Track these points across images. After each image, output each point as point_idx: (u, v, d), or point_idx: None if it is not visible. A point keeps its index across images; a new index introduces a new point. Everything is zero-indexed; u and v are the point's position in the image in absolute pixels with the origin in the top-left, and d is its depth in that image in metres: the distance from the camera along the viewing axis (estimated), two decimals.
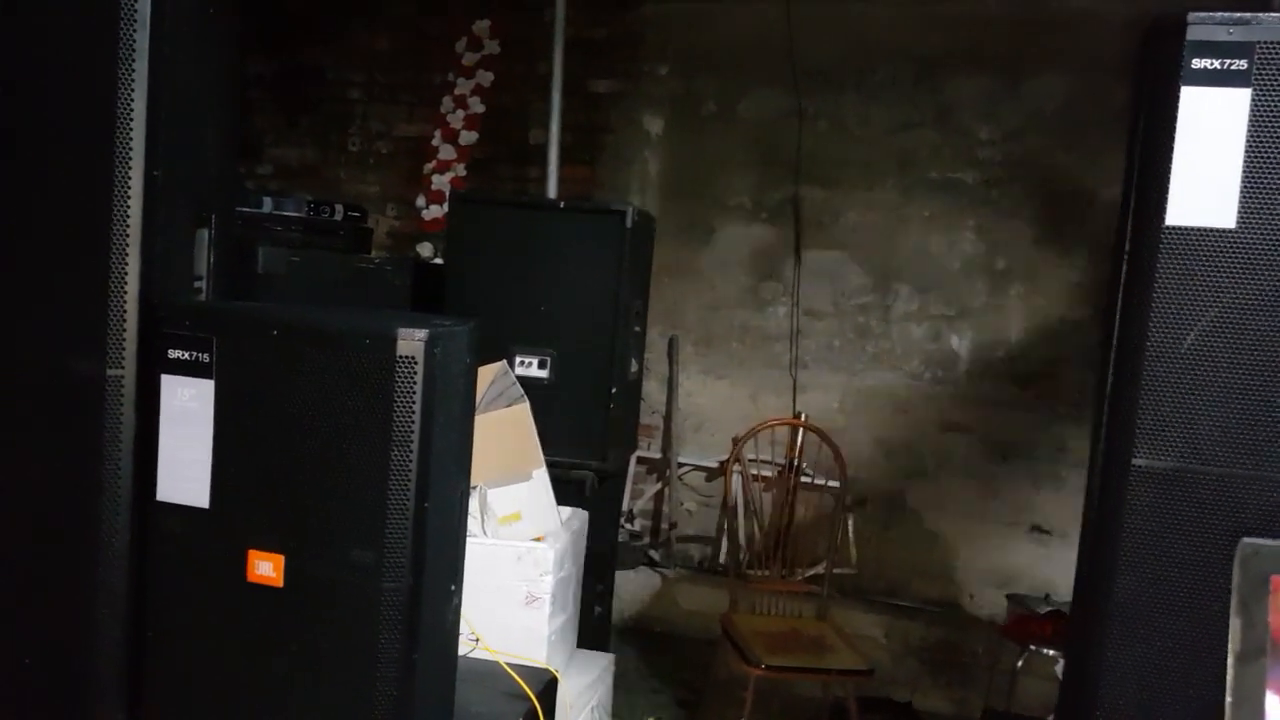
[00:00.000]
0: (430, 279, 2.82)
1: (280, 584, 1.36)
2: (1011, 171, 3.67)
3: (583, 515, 2.50)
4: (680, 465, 4.05)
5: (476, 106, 3.98)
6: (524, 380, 2.55)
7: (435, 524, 1.41)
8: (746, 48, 3.84)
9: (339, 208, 2.61)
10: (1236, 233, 1.30)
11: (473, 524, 2.18)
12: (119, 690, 1.45)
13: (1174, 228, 1.31)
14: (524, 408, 2.22)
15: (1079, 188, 3.59)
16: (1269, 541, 0.93)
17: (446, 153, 3.99)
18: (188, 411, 1.36)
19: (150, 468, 1.38)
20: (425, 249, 4.04)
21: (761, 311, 3.97)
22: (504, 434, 2.21)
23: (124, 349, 1.35)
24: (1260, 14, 1.28)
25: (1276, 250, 1.29)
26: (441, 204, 3.89)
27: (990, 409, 3.74)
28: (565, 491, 2.53)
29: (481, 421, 2.22)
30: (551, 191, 3.63)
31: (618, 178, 4.05)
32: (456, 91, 4.02)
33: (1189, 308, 1.31)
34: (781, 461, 3.88)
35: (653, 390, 4.08)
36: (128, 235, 1.34)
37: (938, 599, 3.82)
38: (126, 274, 1.35)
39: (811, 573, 3.69)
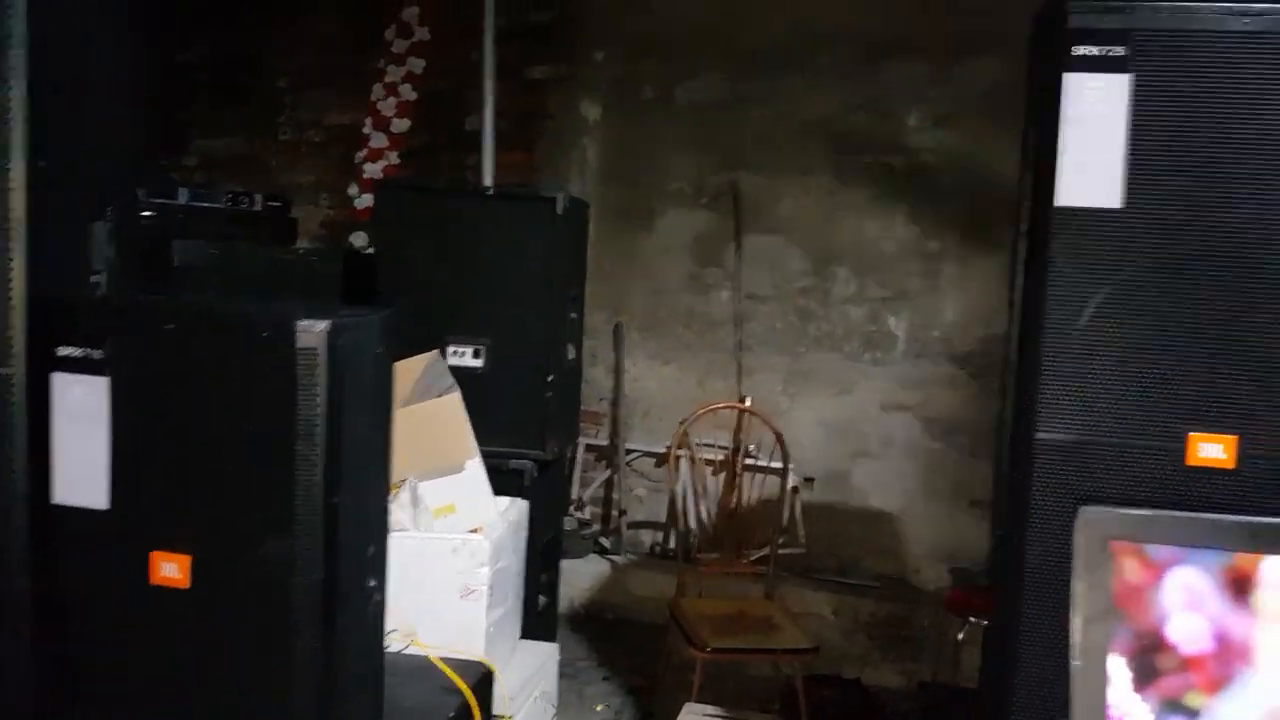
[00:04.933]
0: (362, 269, 2.76)
1: (186, 585, 1.32)
2: (941, 156, 3.70)
3: (522, 505, 2.47)
4: (629, 452, 4.04)
5: (409, 94, 3.91)
6: (458, 370, 2.51)
7: (348, 519, 1.38)
8: (684, 33, 3.82)
9: (258, 198, 2.55)
10: (1123, 212, 1.32)
11: (404, 517, 2.15)
12: (24, 700, 1.40)
13: (1064, 209, 1.33)
14: (455, 398, 2.19)
15: (1006, 171, 3.64)
16: (1105, 509, 0.95)
17: (378, 140, 3.92)
18: (82, 410, 1.31)
19: (45, 470, 1.33)
20: (359, 238, 3.95)
21: (705, 296, 3.97)
22: (435, 425, 2.18)
23: (11, 347, 1.30)
24: (1138, 2, 1.30)
25: (1161, 229, 1.32)
26: (375, 192, 3.82)
27: (929, 388, 3.78)
28: (504, 482, 2.50)
29: (411, 413, 2.19)
30: (487, 178, 3.59)
31: (557, 164, 4.02)
32: (387, 79, 3.95)
33: (1082, 286, 1.33)
34: (728, 445, 3.90)
35: (599, 376, 4.07)
36: (9, 229, 1.28)
37: (885, 575, 3.87)
38: (11, 269, 1.29)
39: (761, 554, 3.72)
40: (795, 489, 3.87)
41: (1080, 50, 1.33)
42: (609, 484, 4.08)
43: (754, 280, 3.91)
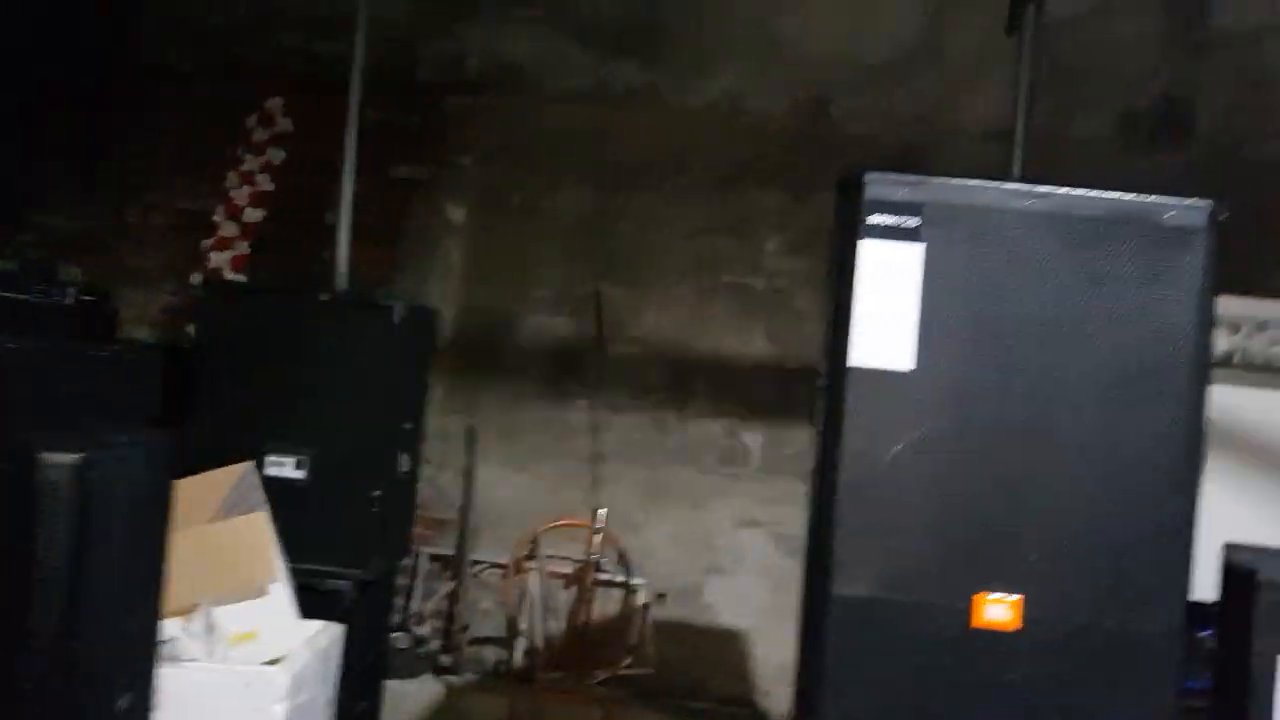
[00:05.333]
0: (187, 367, 2.59)
1: None
2: (796, 281, 3.85)
3: (336, 630, 2.30)
4: (476, 562, 3.88)
5: (266, 184, 3.80)
6: (278, 481, 2.36)
7: (91, 665, 1.23)
8: (554, 144, 3.88)
9: (71, 290, 2.37)
10: (914, 374, 1.37)
11: (196, 646, 1.95)
12: None
13: (859, 369, 1.37)
14: (259, 517, 2.04)
15: None
16: None
17: (229, 229, 3.78)
18: None
19: None
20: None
21: (563, 404, 3.93)
22: (235, 546, 2.01)
23: None
24: (930, 177, 1.39)
25: (950, 392, 1.37)
26: (200, 290, 3.65)
27: (782, 505, 3.82)
28: (320, 604, 2.33)
29: (208, 533, 2.03)
30: (341, 275, 3.49)
31: (419, 264, 3.95)
32: (244, 167, 3.83)
33: (876, 444, 1.36)
34: (580, 558, 3.80)
35: (449, 482, 3.93)
36: None
37: (735, 697, 3.79)
38: None
39: (607, 675, 3.59)
40: (646, 605, 3.79)
41: (877, 219, 1.39)
42: (453, 596, 3.89)
43: (613, 390, 3.90)
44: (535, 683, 3.13)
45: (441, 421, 3.94)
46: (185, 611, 1.97)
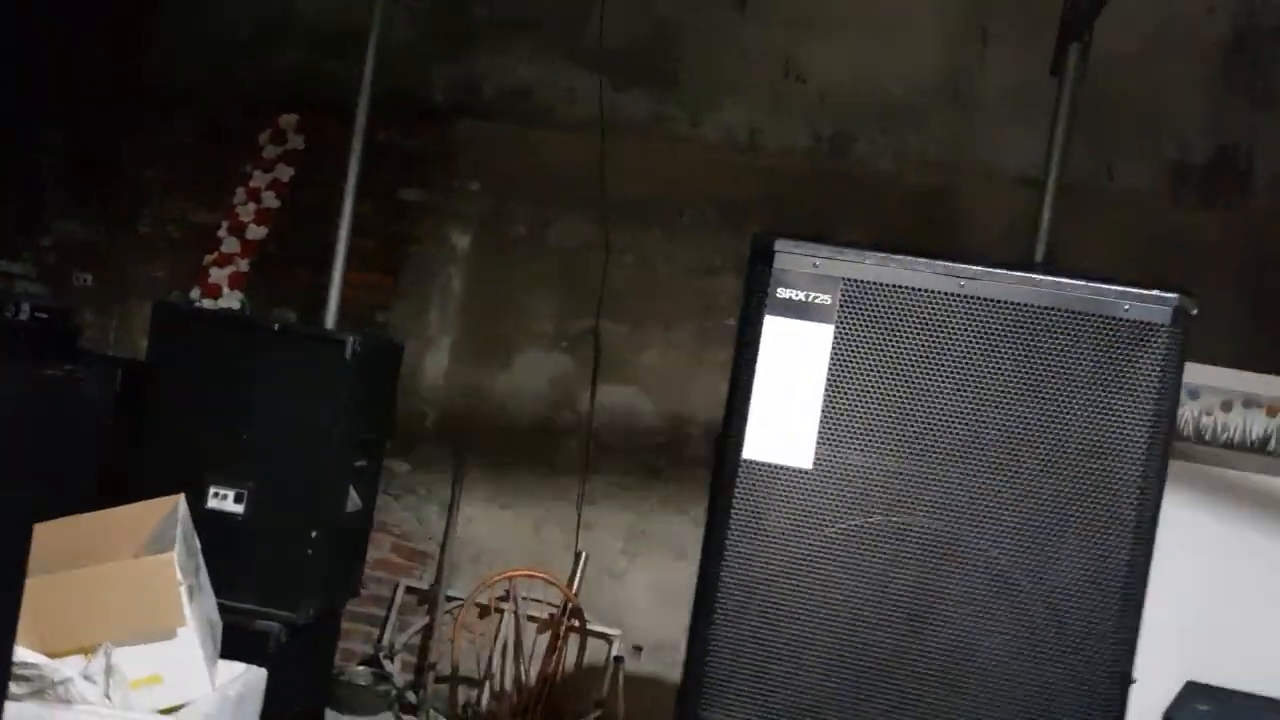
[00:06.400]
0: (143, 389, 2.56)
1: None
2: None
3: (257, 674, 2.21)
4: (452, 599, 3.78)
5: (271, 201, 3.79)
6: (217, 515, 2.31)
7: None
8: (558, 175, 3.80)
9: (25, 306, 2.34)
10: (812, 474, 1.21)
11: (91, 690, 1.88)
12: None
13: (752, 461, 1.22)
14: (168, 558, 1.96)
15: None
16: None
17: (230, 245, 3.77)
18: None
19: None
20: None
21: (555, 441, 3.81)
22: (143, 586, 1.94)
23: None
24: (849, 249, 1.23)
25: (852, 498, 1.20)
26: (216, 298, 3.64)
27: None
28: (247, 644, 2.26)
29: (115, 571, 1.96)
30: (333, 301, 3.45)
31: (420, 290, 3.90)
32: (252, 184, 3.83)
33: (763, 550, 1.20)
34: (556, 603, 3.68)
35: (432, 515, 3.84)
36: None
37: None
38: None
39: None
40: (620, 658, 3.64)
41: (785, 294, 1.24)
42: (427, 631, 3.79)
43: (606, 431, 3.77)
44: None
45: (430, 453, 3.87)
46: (88, 651, 1.90)
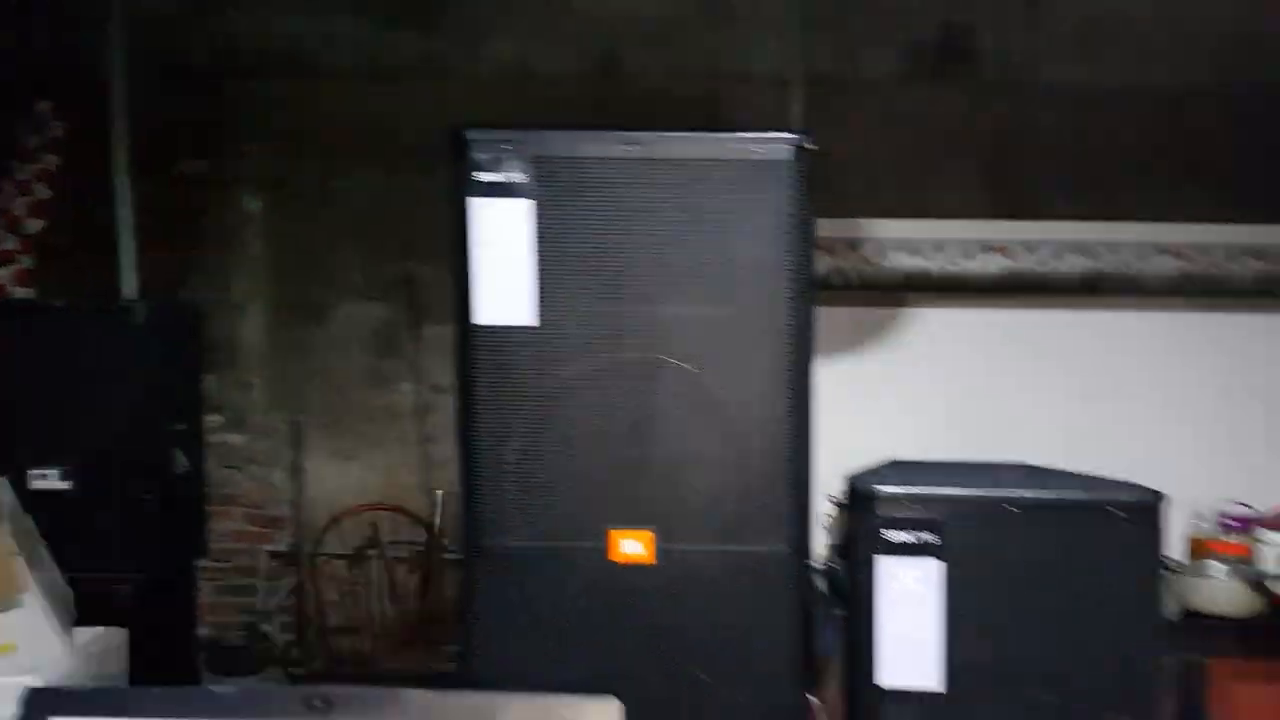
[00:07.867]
0: None
1: None
2: None
3: (117, 633, 2.28)
4: (319, 555, 3.85)
5: (43, 193, 3.64)
6: (45, 494, 2.34)
7: None
8: (338, 125, 3.79)
9: None
10: (539, 329, 1.39)
11: None
12: None
13: (484, 326, 1.39)
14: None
15: None
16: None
17: (10, 243, 3.61)
18: None
19: None
20: None
21: (387, 389, 3.89)
22: None
23: None
24: (532, 131, 1.40)
25: (573, 343, 1.39)
26: (4, 298, 3.50)
27: None
28: (100, 610, 2.31)
29: None
30: (129, 282, 3.39)
31: (220, 261, 3.85)
32: (19, 177, 3.65)
33: (508, 399, 1.39)
34: (421, 541, 3.81)
35: (279, 479, 3.87)
36: None
37: None
38: None
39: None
40: None
41: (484, 177, 1.40)
42: (298, 590, 3.86)
43: (435, 371, 3.87)
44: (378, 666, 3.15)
45: (263, 420, 3.88)
46: None
